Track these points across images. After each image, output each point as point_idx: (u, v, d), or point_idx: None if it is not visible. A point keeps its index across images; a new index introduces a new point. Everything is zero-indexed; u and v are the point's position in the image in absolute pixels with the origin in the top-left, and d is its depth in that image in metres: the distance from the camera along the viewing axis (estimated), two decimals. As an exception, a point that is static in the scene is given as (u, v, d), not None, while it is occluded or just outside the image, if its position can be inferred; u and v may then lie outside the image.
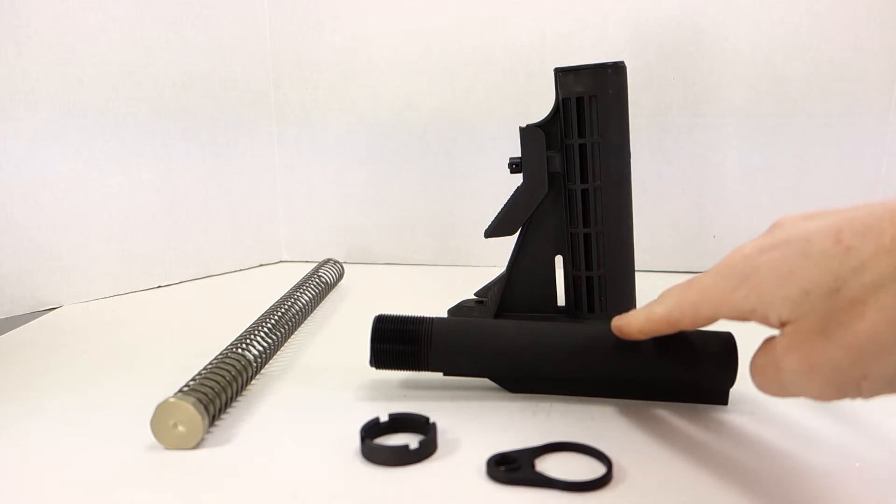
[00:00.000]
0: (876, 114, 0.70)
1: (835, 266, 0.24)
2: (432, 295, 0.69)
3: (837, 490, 0.31)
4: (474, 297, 0.58)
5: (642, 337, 0.36)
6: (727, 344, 0.39)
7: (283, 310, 0.55)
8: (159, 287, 0.76)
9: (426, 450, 0.35)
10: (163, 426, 0.36)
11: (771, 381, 0.28)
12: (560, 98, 0.51)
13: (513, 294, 0.55)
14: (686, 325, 0.32)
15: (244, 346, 0.46)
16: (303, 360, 0.51)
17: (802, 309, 0.25)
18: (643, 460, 0.34)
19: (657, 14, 0.72)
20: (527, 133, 0.52)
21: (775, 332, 0.27)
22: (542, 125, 0.52)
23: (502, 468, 0.32)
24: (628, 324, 0.36)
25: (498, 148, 0.79)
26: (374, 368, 0.42)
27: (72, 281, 0.70)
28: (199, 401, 0.36)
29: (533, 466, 0.33)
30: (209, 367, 0.42)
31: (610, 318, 0.38)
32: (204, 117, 0.79)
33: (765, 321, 0.27)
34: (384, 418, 0.37)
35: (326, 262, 0.73)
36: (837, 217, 0.26)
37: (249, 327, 0.50)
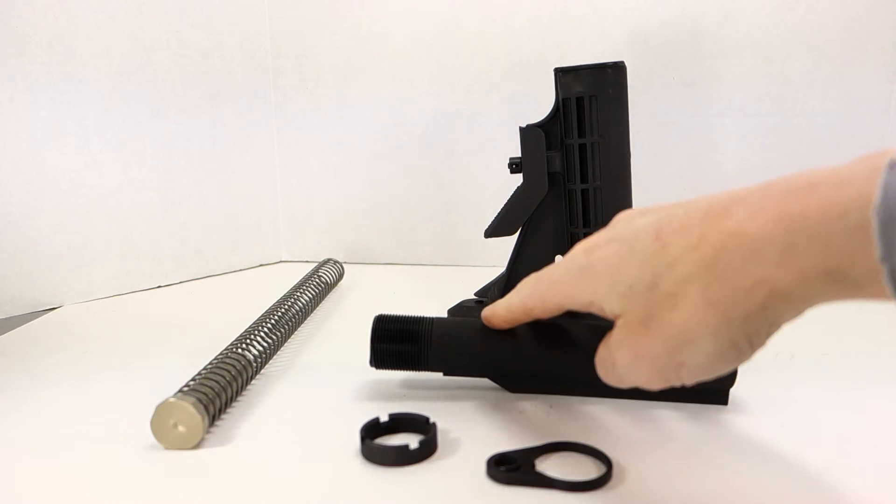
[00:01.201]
0: (876, 114, 0.70)
1: (654, 262, 0.27)
2: (432, 295, 0.69)
3: (837, 490, 0.31)
4: (474, 297, 0.58)
5: (506, 326, 0.39)
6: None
7: (283, 310, 0.55)
8: (159, 287, 0.76)
9: (426, 450, 0.35)
10: (163, 426, 0.36)
11: (608, 372, 0.30)
12: (560, 98, 0.51)
13: (513, 294, 0.55)
14: (539, 314, 0.35)
15: (244, 346, 0.46)
16: (303, 360, 0.51)
17: (628, 303, 0.27)
18: (643, 460, 0.34)
19: (657, 14, 0.72)
20: (527, 133, 0.52)
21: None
22: (542, 125, 0.52)
23: (502, 468, 0.32)
24: (493, 314, 0.39)
25: (498, 148, 0.79)
26: (374, 368, 0.42)
27: (72, 281, 0.70)
28: (199, 401, 0.36)
29: (533, 466, 0.33)
30: (209, 367, 0.42)
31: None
32: (204, 117, 0.79)
33: (602, 313, 0.30)
34: (384, 418, 0.37)
35: (326, 262, 0.73)
36: (661, 214, 0.28)
37: (249, 327, 0.50)
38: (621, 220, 0.31)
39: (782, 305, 0.24)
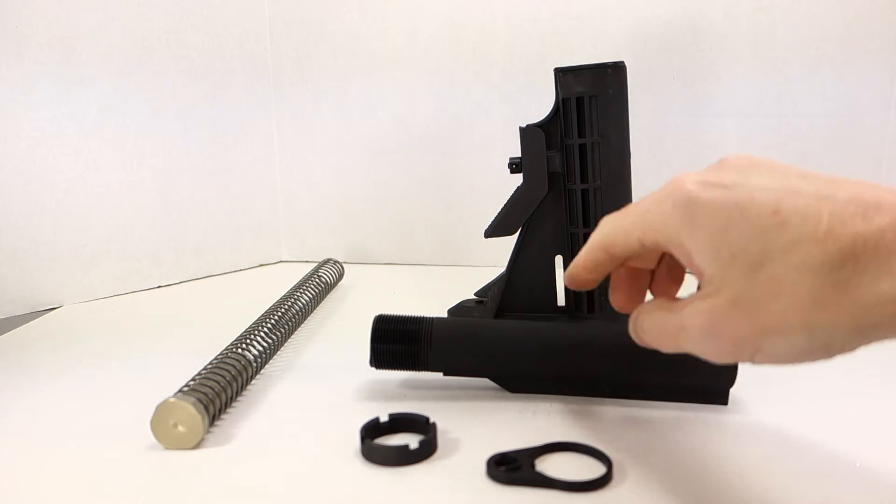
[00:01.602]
0: (876, 114, 0.70)
1: (767, 238, 0.24)
2: (432, 295, 0.69)
3: (838, 490, 0.31)
4: (474, 297, 0.58)
5: (588, 275, 0.33)
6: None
7: (283, 310, 0.55)
8: (159, 287, 0.76)
9: (426, 450, 0.35)
10: (163, 426, 0.36)
11: (668, 336, 0.28)
12: (560, 98, 0.51)
13: (513, 294, 0.55)
14: (619, 250, 0.31)
15: (244, 346, 0.46)
16: (303, 360, 0.51)
17: (725, 274, 0.25)
18: (643, 460, 0.34)
19: (657, 14, 0.72)
20: (527, 133, 0.52)
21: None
22: (542, 125, 0.52)
23: (502, 468, 0.32)
24: (574, 264, 0.34)
25: (498, 148, 0.79)
26: (374, 368, 0.42)
27: (72, 281, 0.70)
28: (199, 401, 0.36)
29: (533, 466, 0.33)
30: (209, 367, 0.42)
31: (610, 319, 0.38)
32: (204, 117, 0.79)
33: (685, 260, 0.27)
34: (384, 418, 0.37)
35: (326, 262, 0.73)
36: (784, 184, 0.25)
37: (249, 327, 0.50)
38: (733, 166, 0.27)
39: None
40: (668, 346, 0.29)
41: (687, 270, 0.30)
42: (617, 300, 0.34)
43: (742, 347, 0.25)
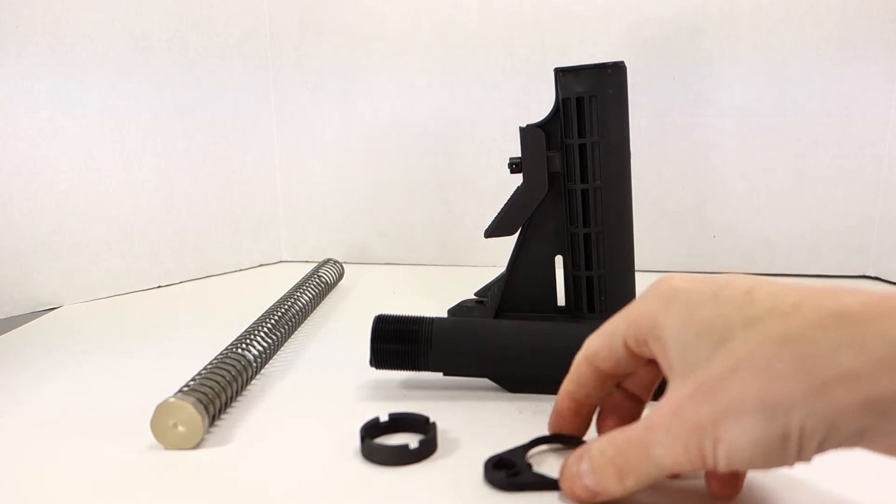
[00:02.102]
0: (876, 113, 0.70)
1: (732, 313, 0.24)
2: (432, 295, 0.69)
3: (837, 490, 0.31)
4: (474, 297, 0.58)
5: (572, 404, 0.33)
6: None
7: (283, 310, 0.55)
8: (159, 287, 0.76)
9: (426, 450, 0.35)
10: (163, 426, 0.36)
11: (632, 450, 0.26)
12: (560, 98, 0.51)
13: (513, 294, 0.55)
14: (603, 357, 0.30)
15: (244, 346, 0.46)
16: (303, 360, 0.51)
17: (691, 355, 0.25)
18: (643, 460, 0.34)
19: (657, 14, 0.72)
20: (527, 133, 0.52)
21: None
22: (542, 125, 0.52)
23: (501, 473, 0.32)
24: (558, 398, 0.33)
25: (498, 148, 0.79)
26: (374, 368, 0.42)
27: (72, 281, 0.70)
28: (199, 401, 0.36)
29: (530, 467, 0.33)
30: (209, 367, 0.42)
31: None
32: (204, 117, 0.79)
33: (661, 354, 0.27)
34: (384, 418, 0.37)
35: (326, 262, 0.73)
36: (766, 280, 0.25)
37: (249, 327, 0.50)
38: (727, 275, 0.27)
39: (865, 419, 0.21)
40: (629, 470, 0.26)
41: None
42: (607, 429, 0.32)
43: (703, 436, 0.23)
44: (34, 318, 0.65)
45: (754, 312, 0.23)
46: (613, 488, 0.27)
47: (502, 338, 0.42)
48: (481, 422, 0.39)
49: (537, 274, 0.54)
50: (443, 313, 0.57)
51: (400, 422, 0.37)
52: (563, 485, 0.30)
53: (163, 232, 0.76)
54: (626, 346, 0.29)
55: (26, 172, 0.66)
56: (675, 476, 0.31)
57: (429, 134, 0.81)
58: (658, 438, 0.25)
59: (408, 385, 0.45)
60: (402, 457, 0.34)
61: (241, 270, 0.84)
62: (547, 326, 0.43)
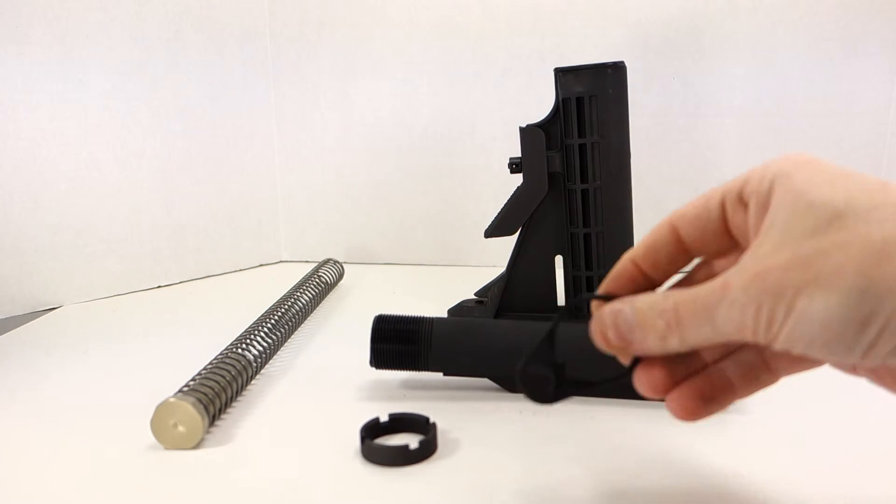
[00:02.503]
0: (876, 114, 0.70)
1: (860, 194, 0.21)
2: (432, 295, 0.69)
3: (837, 490, 0.31)
4: (474, 297, 0.58)
5: (636, 278, 0.28)
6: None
7: (283, 310, 0.55)
8: (159, 287, 0.76)
9: (426, 450, 0.35)
10: (163, 426, 0.36)
11: (696, 311, 0.23)
12: (560, 98, 0.51)
13: (513, 294, 0.55)
14: (691, 219, 0.26)
15: (244, 346, 0.46)
16: (303, 360, 0.51)
17: (795, 223, 0.22)
18: (644, 460, 0.34)
19: (657, 14, 0.72)
20: (527, 133, 0.52)
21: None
22: (542, 125, 0.52)
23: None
24: (613, 274, 0.28)
25: (498, 148, 0.79)
26: (374, 368, 0.42)
27: (72, 281, 0.70)
28: (199, 401, 0.36)
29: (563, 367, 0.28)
30: (209, 367, 0.42)
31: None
32: (204, 117, 0.79)
33: (757, 213, 0.23)
34: (384, 418, 0.37)
35: (326, 262, 0.73)
36: None
37: (249, 327, 0.50)
38: None
39: None
40: (681, 327, 0.24)
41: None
42: (650, 377, 0.27)
43: (779, 301, 0.21)
44: (34, 318, 0.65)
45: (885, 199, 0.21)
46: (651, 344, 0.24)
47: (502, 338, 0.42)
48: (481, 422, 0.39)
49: (537, 274, 0.54)
50: (443, 313, 0.57)
51: (400, 422, 0.37)
52: (593, 325, 0.26)
53: (163, 232, 0.76)
54: (722, 206, 0.25)
55: (26, 172, 0.66)
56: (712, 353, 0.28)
57: (429, 134, 0.81)
58: (731, 297, 0.22)
59: (408, 385, 0.45)
60: (402, 457, 0.34)
61: (241, 270, 0.84)
62: (547, 327, 0.43)
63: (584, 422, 0.39)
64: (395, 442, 0.36)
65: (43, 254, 0.68)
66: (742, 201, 0.25)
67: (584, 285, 0.53)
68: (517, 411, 0.40)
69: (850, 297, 0.20)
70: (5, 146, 0.64)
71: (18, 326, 0.62)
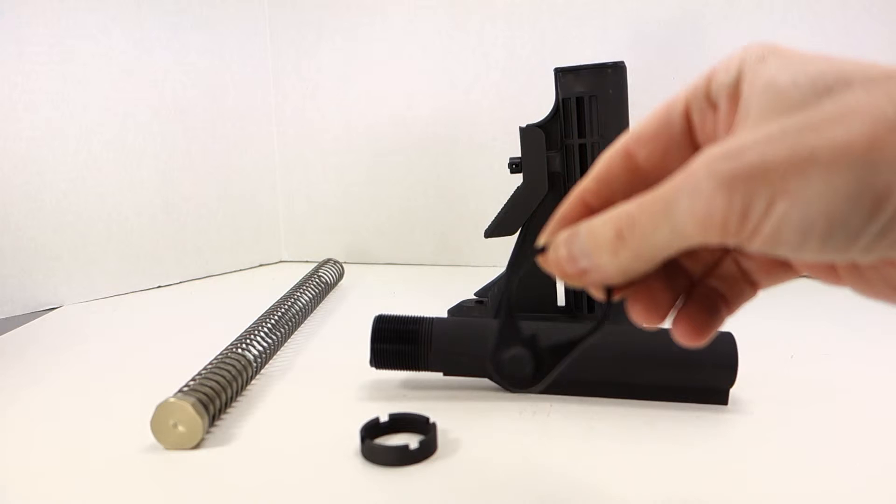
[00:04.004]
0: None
1: (851, 69, 0.17)
2: (432, 295, 0.69)
3: (838, 490, 0.31)
4: (474, 297, 0.58)
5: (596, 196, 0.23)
6: (727, 344, 0.39)
7: (283, 310, 0.55)
8: (159, 287, 0.76)
9: (426, 450, 0.35)
10: (163, 426, 0.36)
11: (649, 210, 0.19)
12: (560, 98, 0.51)
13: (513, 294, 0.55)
14: (649, 131, 0.22)
15: (244, 346, 0.46)
16: (303, 360, 0.51)
17: (779, 101, 0.18)
18: (643, 460, 0.34)
19: (657, 14, 0.72)
20: (527, 133, 0.52)
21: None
22: (542, 125, 0.52)
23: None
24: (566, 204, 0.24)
25: (498, 148, 0.79)
26: (374, 368, 0.42)
27: (72, 281, 0.70)
28: (199, 401, 0.36)
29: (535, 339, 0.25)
30: (209, 367, 0.42)
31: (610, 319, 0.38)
32: (204, 117, 0.79)
33: (731, 107, 0.20)
34: (384, 418, 0.37)
35: (326, 262, 0.73)
36: None
37: (249, 327, 0.50)
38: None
39: None
40: (631, 233, 0.19)
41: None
42: (640, 305, 0.23)
43: (758, 186, 0.16)
44: (34, 318, 0.65)
45: (882, 71, 0.17)
46: (605, 263, 0.20)
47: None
48: (481, 422, 0.39)
49: (537, 274, 0.54)
50: (443, 313, 0.57)
51: (400, 422, 0.37)
52: (549, 255, 0.22)
53: (163, 232, 0.76)
54: (686, 115, 0.21)
55: (26, 172, 0.66)
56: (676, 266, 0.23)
57: (429, 134, 0.81)
58: (692, 185, 0.17)
59: (408, 385, 0.45)
60: (402, 457, 0.34)
61: (241, 270, 0.84)
62: (547, 327, 0.43)
63: (584, 421, 0.39)
64: (395, 442, 0.36)
65: (43, 254, 0.68)
66: (710, 101, 0.21)
67: (584, 285, 0.53)
68: (517, 411, 0.40)
69: (863, 172, 0.16)
70: (5, 146, 0.64)
71: (18, 326, 0.62)
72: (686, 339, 0.23)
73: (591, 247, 0.21)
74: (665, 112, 0.22)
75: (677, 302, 0.23)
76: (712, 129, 0.21)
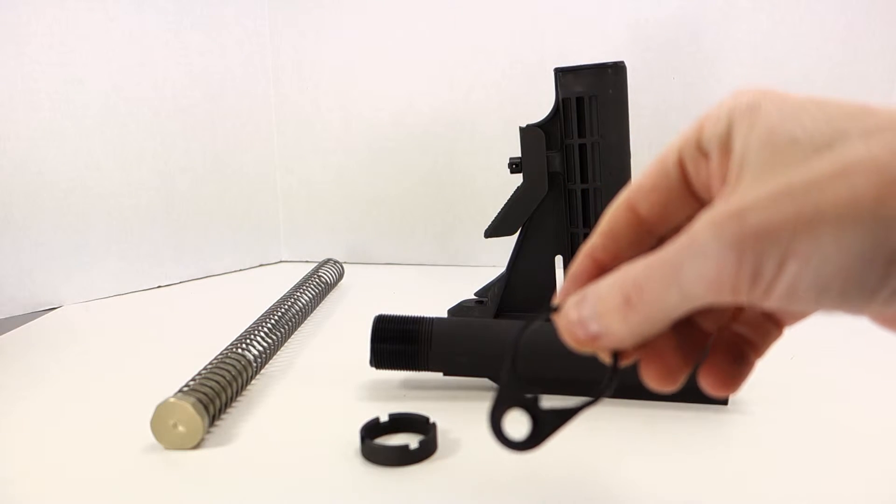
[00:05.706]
0: (876, 114, 0.70)
1: (846, 122, 0.17)
2: (432, 295, 0.69)
3: (838, 490, 0.31)
4: (474, 297, 0.58)
5: (594, 262, 0.24)
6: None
7: (283, 310, 0.55)
8: (159, 287, 0.76)
9: (426, 450, 0.35)
10: (163, 426, 0.36)
11: (657, 275, 0.19)
12: (560, 98, 0.51)
13: (513, 294, 0.55)
14: (647, 191, 0.23)
15: (244, 346, 0.46)
16: (303, 360, 0.51)
17: (775, 158, 0.17)
18: (643, 460, 0.34)
19: (657, 14, 0.72)
20: (527, 133, 0.52)
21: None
22: (542, 125, 0.52)
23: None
24: (571, 270, 0.25)
25: (498, 148, 0.79)
26: (374, 368, 0.42)
27: (72, 281, 0.70)
28: (199, 401, 0.36)
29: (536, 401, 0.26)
30: (209, 367, 0.42)
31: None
32: (204, 117, 0.79)
33: (723, 162, 0.19)
34: (384, 418, 0.37)
35: (326, 262, 0.73)
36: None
37: (249, 327, 0.50)
38: None
39: None
40: (640, 297, 0.19)
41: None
42: (653, 369, 0.23)
43: (769, 247, 0.16)
44: (34, 318, 0.65)
45: (877, 122, 0.17)
46: (615, 328, 0.20)
47: (502, 338, 0.42)
48: (481, 422, 0.39)
49: (537, 274, 0.54)
50: (443, 313, 0.57)
51: (400, 422, 0.37)
52: (560, 323, 0.23)
53: (163, 232, 0.76)
54: (680, 165, 0.22)
55: (26, 172, 0.66)
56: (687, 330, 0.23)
57: (429, 134, 0.81)
58: (698, 248, 0.17)
59: (408, 385, 0.45)
60: (402, 457, 0.34)
61: (241, 270, 0.84)
62: (547, 326, 0.43)
63: (584, 421, 0.39)
64: (395, 442, 0.36)
65: (43, 254, 0.68)
66: (702, 151, 0.21)
67: (584, 285, 0.53)
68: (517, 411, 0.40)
69: (874, 229, 0.16)
70: (5, 146, 0.64)
71: (18, 326, 0.62)
72: (716, 391, 0.23)
73: (600, 312, 0.21)
74: (661, 163, 0.23)
75: (703, 353, 0.23)
76: (706, 178, 0.21)
